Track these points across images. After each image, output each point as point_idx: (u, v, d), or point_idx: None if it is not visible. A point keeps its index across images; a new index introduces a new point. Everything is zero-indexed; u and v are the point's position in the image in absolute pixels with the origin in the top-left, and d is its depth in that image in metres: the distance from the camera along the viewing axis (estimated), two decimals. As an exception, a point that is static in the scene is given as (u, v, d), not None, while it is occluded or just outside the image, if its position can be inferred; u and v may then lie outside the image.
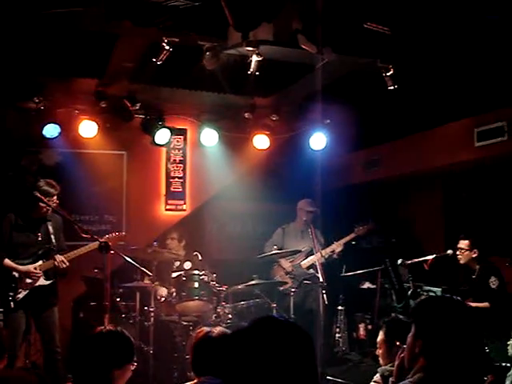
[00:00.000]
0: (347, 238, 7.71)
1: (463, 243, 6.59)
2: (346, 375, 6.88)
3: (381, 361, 4.07)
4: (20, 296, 5.75)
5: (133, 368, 3.14)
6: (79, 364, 3.04)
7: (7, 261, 5.75)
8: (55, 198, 5.86)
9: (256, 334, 1.79)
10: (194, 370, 3.36)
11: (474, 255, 6.54)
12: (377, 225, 7.85)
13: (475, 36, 5.28)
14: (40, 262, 5.85)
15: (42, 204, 5.77)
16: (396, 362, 2.79)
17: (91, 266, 6.49)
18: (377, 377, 3.98)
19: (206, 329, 3.47)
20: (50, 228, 5.98)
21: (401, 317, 4.27)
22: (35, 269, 5.80)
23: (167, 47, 5.30)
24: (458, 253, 6.63)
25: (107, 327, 3.21)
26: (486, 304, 6.31)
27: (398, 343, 3.58)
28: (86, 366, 2.99)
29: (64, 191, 6.11)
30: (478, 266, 6.56)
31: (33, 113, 6.93)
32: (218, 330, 3.43)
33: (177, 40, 5.28)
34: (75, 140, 7.38)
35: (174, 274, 6.85)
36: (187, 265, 6.99)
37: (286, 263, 7.59)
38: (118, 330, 3.14)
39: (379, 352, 4.10)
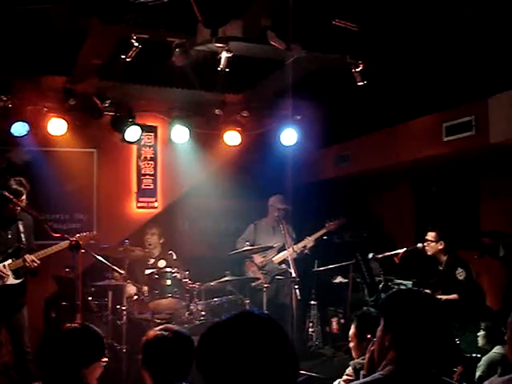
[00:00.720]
0: (319, 234, 7.76)
1: (430, 235, 6.69)
2: (319, 369, 6.92)
3: (353, 354, 4.12)
4: (-12, 295, 5.68)
5: (104, 364, 3.08)
6: (48, 361, 2.99)
7: (-24, 260, 5.68)
8: (24, 196, 5.80)
9: (234, 328, 1.81)
10: (148, 370, 3.21)
11: (440, 247, 6.64)
12: (348, 220, 7.91)
13: (443, 32, 5.34)
14: (9, 261, 5.77)
15: (11, 203, 5.69)
16: (366, 355, 2.83)
17: (62, 265, 6.41)
18: (349, 370, 4.02)
19: (159, 328, 3.35)
20: (21, 227, 5.91)
21: (372, 310, 4.31)
22: (4, 267, 5.73)
23: (136, 44, 5.27)
24: (425, 244, 6.73)
25: (75, 324, 3.17)
26: (454, 296, 6.40)
27: (368, 336, 3.62)
28: (55, 363, 2.94)
29: (33, 190, 6.04)
30: (444, 258, 6.66)
31: (1, 111, 6.82)
32: (172, 328, 3.31)
33: (146, 36, 5.25)
34: (44, 138, 7.29)
35: (147, 272, 6.82)
36: (161, 263, 6.97)
37: (258, 259, 7.61)
38: (86, 326, 3.11)
39: (351, 345, 4.15)
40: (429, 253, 6.72)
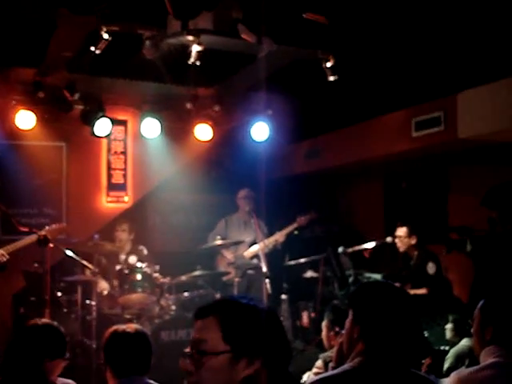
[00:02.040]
0: (290, 228, 7.79)
1: (401, 231, 6.75)
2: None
3: (325, 344, 4.15)
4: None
5: (64, 364, 3.09)
6: (8, 356, 2.96)
7: None
8: None
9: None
10: (112, 370, 3.25)
11: (413, 242, 6.71)
12: (319, 214, 7.95)
13: (413, 27, 5.39)
14: (-24, 256, 5.70)
15: None
16: (335, 348, 2.84)
17: (31, 260, 6.33)
18: (318, 363, 4.05)
19: (119, 326, 3.41)
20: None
21: (339, 302, 4.34)
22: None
23: (106, 36, 5.20)
24: (396, 241, 6.78)
25: (41, 320, 3.15)
26: (423, 291, 6.48)
27: (337, 329, 3.65)
28: (16, 358, 2.92)
29: (1, 184, 5.96)
30: (416, 253, 6.73)
31: (-33, 104, 6.72)
32: (132, 326, 3.39)
33: (116, 29, 5.19)
34: (12, 131, 7.17)
35: (118, 267, 6.77)
36: (132, 259, 6.92)
37: (228, 254, 7.61)
38: (50, 323, 3.09)
39: (323, 335, 4.19)
40: (401, 249, 6.77)
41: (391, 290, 2.43)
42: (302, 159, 9.00)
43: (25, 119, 7.04)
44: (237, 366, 1.76)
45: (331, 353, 3.69)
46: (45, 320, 3.14)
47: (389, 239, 6.85)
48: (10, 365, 2.93)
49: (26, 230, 5.50)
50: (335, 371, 2.35)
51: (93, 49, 5.37)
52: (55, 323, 3.11)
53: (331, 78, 6.03)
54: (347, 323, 2.43)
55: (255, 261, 7.50)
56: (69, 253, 5.71)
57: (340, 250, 7.05)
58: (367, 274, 7.08)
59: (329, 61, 5.91)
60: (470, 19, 5.20)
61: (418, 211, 8.17)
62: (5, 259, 5.69)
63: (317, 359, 4.19)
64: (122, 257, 7.12)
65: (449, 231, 7.05)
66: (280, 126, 8.11)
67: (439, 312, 5.95)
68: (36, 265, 6.25)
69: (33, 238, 5.55)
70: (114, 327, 3.38)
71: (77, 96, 7.05)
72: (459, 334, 5.35)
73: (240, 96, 8.06)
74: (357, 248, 7.03)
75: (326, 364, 3.86)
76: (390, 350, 2.29)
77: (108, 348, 3.31)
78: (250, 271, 7.57)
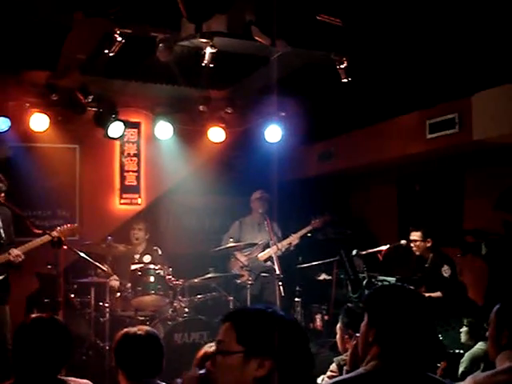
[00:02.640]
0: (304, 231, 7.76)
1: (415, 235, 6.71)
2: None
3: (339, 347, 4.13)
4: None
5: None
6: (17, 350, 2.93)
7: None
8: (3, 194, 5.71)
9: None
10: (124, 372, 3.24)
11: (428, 244, 6.67)
12: (332, 217, 7.92)
13: (428, 29, 5.35)
14: (-10, 258, 5.71)
15: None
16: (349, 351, 2.82)
17: (44, 262, 6.35)
18: (333, 366, 4.02)
19: (130, 328, 3.40)
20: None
21: (357, 306, 4.31)
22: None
23: (120, 39, 5.21)
24: (412, 245, 6.74)
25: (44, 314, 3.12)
26: (438, 294, 6.44)
27: (350, 331, 3.63)
28: (24, 352, 2.88)
29: (15, 186, 5.98)
30: (430, 255, 6.69)
31: (-18, 106, 6.76)
32: (144, 329, 3.37)
33: (129, 31, 5.20)
34: (26, 133, 7.22)
35: (133, 267, 6.77)
36: (147, 258, 6.93)
37: (241, 256, 7.58)
38: (55, 317, 3.06)
39: (337, 337, 4.17)
40: (417, 252, 6.74)
41: (407, 294, 2.41)
42: (314, 161, 8.97)
43: (39, 121, 7.10)
44: (248, 367, 1.86)
45: (345, 356, 3.67)
46: (47, 314, 3.11)
47: (403, 242, 6.81)
48: (18, 360, 2.89)
49: (39, 231, 5.52)
50: (350, 375, 2.33)
51: (106, 51, 5.38)
52: (60, 318, 3.08)
53: (345, 80, 6.01)
54: (362, 326, 2.41)
55: (268, 263, 7.48)
56: (82, 254, 5.72)
57: (354, 252, 7.02)
58: (381, 277, 7.05)
59: (342, 63, 5.89)
60: (485, 21, 5.16)
61: (433, 214, 8.11)
62: (20, 259, 5.71)
63: (331, 362, 4.17)
64: (137, 256, 7.13)
65: (464, 234, 7.01)
66: (293, 128, 8.11)
67: (454, 315, 5.91)
68: (49, 267, 6.25)
69: (46, 238, 5.56)
70: (125, 330, 3.37)
71: (90, 98, 7.09)
72: (474, 338, 5.31)
73: (253, 98, 8.06)
74: (371, 251, 7.00)
75: (340, 367, 3.83)
76: (405, 353, 2.27)
77: (119, 351, 3.30)
78: (263, 274, 7.54)
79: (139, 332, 3.31)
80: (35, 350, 2.83)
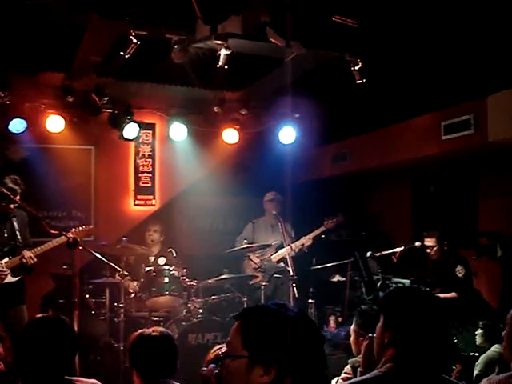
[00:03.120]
0: (317, 232, 7.74)
1: (430, 241, 6.65)
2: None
3: (353, 349, 4.11)
4: (-13, 294, 5.64)
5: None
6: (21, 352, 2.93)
7: (-27, 259, 5.65)
8: (18, 196, 5.75)
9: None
10: (138, 373, 3.27)
11: (444, 248, 6.62)
12: (346, 218, 7.90)
13: (442, 30, 5.33)
14: (6, 259, 5.73)
15: (6, 201, 5.64)
16: (362, 352, 2.81)
17: (60, 263, 6.39)
18: (347, 368, 4.01)
19: (144, 330, 3.43)
20: (15, 224, 5.87)
21: (367, 307, 4.30)
22: (1, 266, 5.69)
23: (135, 40, 5.23)
24: (428, 251, 6.68)
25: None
26: (453, 294, 6.39)
27: (362, 332, 3.61)
28: (28, 352, 2.88)
29: (31, 187, 6.02)
30: (445, 257, 6.65)
31: (-2, 107, 6.81)
32: (158, 330, 3.40)
33: (145, 33, 5.22)
34: (42, 135, 7.28)
35: (147, 269, 6.80)
36: (161, 260, 6.95)
37: (255, 258, 7.58)
38: (60, 317, 3.07)
39: (351, 340, 4.15)
40: (434, 257, 6.68)
41: (422, 296, 2.40)
42: (328, 162, 8.96)
43: (54, 123, 7.15)
44: (253, 372, 1.78)
45: (359, 358, 3.66)
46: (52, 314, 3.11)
47: (417, 243, 6.77)
48: (23, 362, 2.89)
49: (55, 232, 5.54)
50: (365, 376, 2.33)
51: (122, 53, 5.41)
52: (66, 318, 3.08)
53: (359, 81, 6.00)
54: (378, 328, 2.40)
55: (282, 264, 7.48)
56: (97, 255, 5.74)
57: (368, 254, 6.99)
58: (395, 279, 7.03)
59: (357, 64, 5.87)
60: (500, 22, 5.14)
61: (447, 215, 8.07)
62: (32, 262, 5.74)
63: (344, 364, 4.15)
64: (151, 258, 7.16)
65: (478, 236, 6.97)
66: (307, 130, 8.10)
67: (469, 317, 5.87)
68: (65, 267, 6.30)
69: (61, 239, 5.59)
70: (140, 331, 3.40)
71: (105, 100, 7.12)
72: (489, 340, 5.29)
73: (267, 99, 8.07)
74: (385, 252, 6.97)
75: (354, 369, 3.82)
76: (420, 355, 2.27)
77: (134, 352, 3.33)
78: (277, 275, 7.53)
79: (154, 333, 3.33)
80: (41, 350, 2.83)
